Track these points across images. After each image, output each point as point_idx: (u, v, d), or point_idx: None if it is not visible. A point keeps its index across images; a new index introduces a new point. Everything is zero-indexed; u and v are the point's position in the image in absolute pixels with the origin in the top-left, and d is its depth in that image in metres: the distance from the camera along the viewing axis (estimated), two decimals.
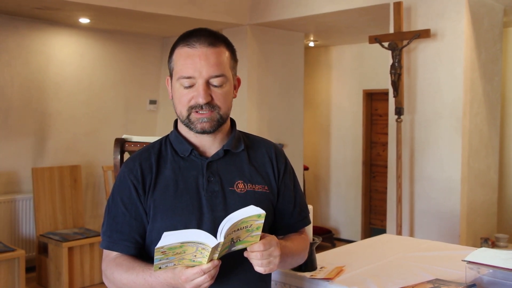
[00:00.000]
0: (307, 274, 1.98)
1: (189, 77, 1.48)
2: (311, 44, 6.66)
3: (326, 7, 4.75)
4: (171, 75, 1.57)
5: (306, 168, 6.75)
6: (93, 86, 5.84)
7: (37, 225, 5.02)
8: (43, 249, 4.99)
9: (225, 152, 1.58)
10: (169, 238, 1.26)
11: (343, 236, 6.87)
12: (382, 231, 5.13)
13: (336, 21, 5.22)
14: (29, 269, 4.98)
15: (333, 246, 6.29)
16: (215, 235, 1.30)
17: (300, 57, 6.09)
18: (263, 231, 1.40)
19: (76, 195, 5.34)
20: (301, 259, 1.69)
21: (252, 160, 1.62)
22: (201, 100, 1.48)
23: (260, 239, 1.38)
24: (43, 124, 5.45)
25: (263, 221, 1.33)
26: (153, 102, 6.37)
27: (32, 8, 4.76)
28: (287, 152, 5.80)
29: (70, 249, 4.74)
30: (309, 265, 2.02)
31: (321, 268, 2.05)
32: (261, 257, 1.37)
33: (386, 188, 4.56)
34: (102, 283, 4.89)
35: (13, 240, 5.12)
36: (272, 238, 1.42)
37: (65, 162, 5.53)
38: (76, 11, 4.90)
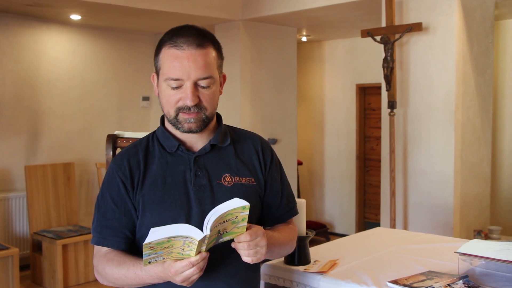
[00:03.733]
0: (301, 268, 1.99)
1: (177, 79, 1.49)
2: (304, 39, 6.66)
3: (318, 1, 4.74)
4: (157, 73, 1.57)
5: (300, 163, 6.76)
6: (86, 83, 5.81)
7: (30, 223, 5.01)
8: (37, 247, 4.98)
9: (211, 147, 1.61)
10: (156, 234, 1.29)
11: (338, 230, 6.89)
12: (377, 224, 5.15)
13: (329, 16, 5.22)
14: (23, 267, 4.97)
15: (328, 240, 6.30)
16: (203, 228, 1.33)
17: (293, 52, 6.09)
18: (250, 222, 1.44)
19: (69, 193, 5.33)
20: (290, 248, 1.73)
21: (239, 154, 1.65)
22: (189, 103, 1.49)
23: (247, 230, 1.41)
24: (35, 121, 5.43)
25: (248, 212, 1.37)
26: (146, 98, 6.35)
27: (22, 5, 4.73)
28: (281, 147, 5.86)
29: (64, 246, 4.73)
30: (302, 258, 2.02)
31: (314, 261, 2.06)
32: (248, 247, 1.41)
33: (380, 182, 4.58)
34: (97, 280, 4.88)
35: (7, 238, 5.10)
36: (258, 228, 1.45)
37: (58, 159, 5.51)
38: (67, 8, 4.87)
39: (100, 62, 5.93)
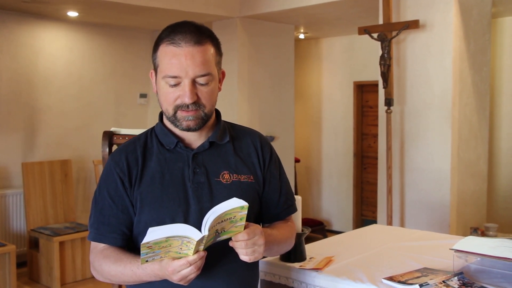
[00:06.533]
0: (296, 265, 1.99)
1: (174, 77, 1.48)
2: (301, 36, 6.65)
3: None
4: (155, 70, 1.56)
5: (297, 160, 6.76)
6: (83, 80, 5.80)
7: (27, 220, 5.00)
8: (34, 244, 4.98)
9: (210, 144, 1.60)
10: (154, 234, 1.28)
11: (335, 227, 6.90)
12: (374, 222, 5.14)
13: (326, 13, 5.22)
14: (20, 264, 4.97)
15: (325, 237, 6.30)
16: (201, 226, 1.32)
17: (290, 50, 6.09)
18: (248, 220, 1.43)
19: (67, 190, 5.32)
20: (288, 246, 1.72)
21: (238, 151, 1.64)
22: (188, 100, 1.48)
23: (245, 228, 1.41)
24: (33, 118, 5.42)
25: (246, 212, 1.36)
26: (143, 95, 6.34)
27: (19, 2, 4.71)
28: (278, 144, 5.86)
29: (61, 243, 4.73)
30: (298, 255, 2.03)
31: (310, 258, 2.06)
32: (245, 246, 1.40)
33: (377, 179, 4.58)
34: (94, 277, 4.88)
35: (4, 235, 5.10)
36: (256, 227, 1.45)
37: (55, 156, 5.51)
38: (64, 4, 4.86)
39: (97, 59, 5.92)
